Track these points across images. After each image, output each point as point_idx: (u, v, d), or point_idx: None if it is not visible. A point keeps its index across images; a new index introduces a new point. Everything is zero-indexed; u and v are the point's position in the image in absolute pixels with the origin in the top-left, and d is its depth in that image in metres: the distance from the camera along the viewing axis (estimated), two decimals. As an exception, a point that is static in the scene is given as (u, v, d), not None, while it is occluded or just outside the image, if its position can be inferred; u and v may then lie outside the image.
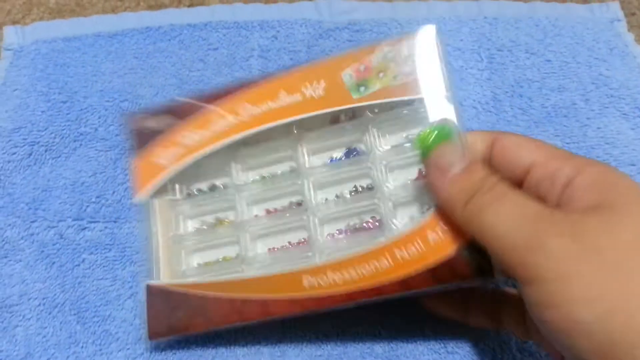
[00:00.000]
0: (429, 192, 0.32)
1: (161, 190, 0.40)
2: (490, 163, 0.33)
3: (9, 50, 0.50)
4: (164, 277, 0.38)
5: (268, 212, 0.39)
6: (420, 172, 0.37)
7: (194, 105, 0.39)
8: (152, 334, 0.36)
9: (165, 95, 0.47)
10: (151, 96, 0.47)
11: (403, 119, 0.37)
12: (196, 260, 0.40)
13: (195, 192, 0.41)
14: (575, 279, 0.24)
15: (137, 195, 0.39)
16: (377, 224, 0.37)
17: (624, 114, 0.44)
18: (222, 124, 0.38)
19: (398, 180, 0.37)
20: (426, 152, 0.32)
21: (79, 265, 0.41)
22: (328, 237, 0.38)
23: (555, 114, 0.45)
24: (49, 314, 0.39)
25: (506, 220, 0.27)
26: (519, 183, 0.32)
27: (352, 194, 0.38)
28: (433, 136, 0.32)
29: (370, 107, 0.37)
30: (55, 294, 0.40)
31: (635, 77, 0.45)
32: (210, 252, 0.40)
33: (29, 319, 0.39)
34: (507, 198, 0.28)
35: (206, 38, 0.49)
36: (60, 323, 0.39)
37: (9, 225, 0.42)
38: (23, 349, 0.38)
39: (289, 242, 0.39)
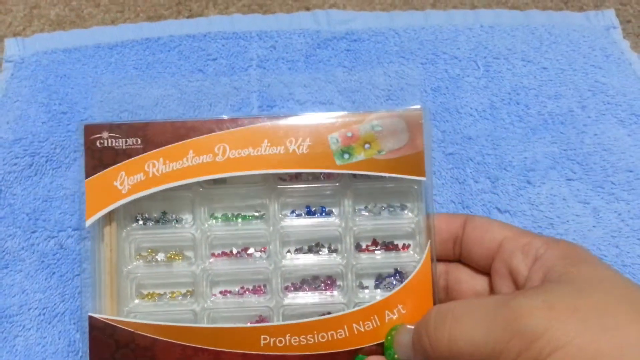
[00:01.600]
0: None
1: (114, 217, 0.39)
2: (462, 241, 0.36)
3: (9, 62, 0.50)
4: (107, 309, 0.37)
5: (226, 254, 0.40)
6: (374, 240, 0.40)
7: (170, 134, 0.37)
8: None
9: (165, 106, 0.47)
10: (151, 106, 0.47)
11: (382, 191, 0.40)
12: (143, 291, 0.40)
13: (150, 222, 0.40)
14: (566, 347, 0.25)
15: (88, 220, 0.37)
16: (333, 286, 0.39)
17: (621, 121, 0.45)
18: (196, 161, 0.37)
19: (359, 247, 0.40)
20: (392, 355, 0.35)
21: (79, 275, 0.41)
22: (286, 290, 0.39)
23: (552, 121, 0.45)
24: (49, 323, 0.39)
25: (475, 330, 0.28)
26: (490, 257, 0.34)
27: (316, 252, 0.40)
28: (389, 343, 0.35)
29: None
30: (55, 304, 0.40)
31: (632, 84, 0.45)
32: (158, 285, 0.40)
33: (29, 329, 0.39)
34: (455, 310, 0.30)
35: (205, 49, 0.49)
36: (60, 332, 0.39)
37: (10, 235, 0.42)
38: (23, 359, 0.38)
39: (242, 287, 0.40)
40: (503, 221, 0.42)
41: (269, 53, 0.49)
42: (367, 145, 0.37)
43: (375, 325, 0.36)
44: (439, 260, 0.37)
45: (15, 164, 0.44)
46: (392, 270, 0.40)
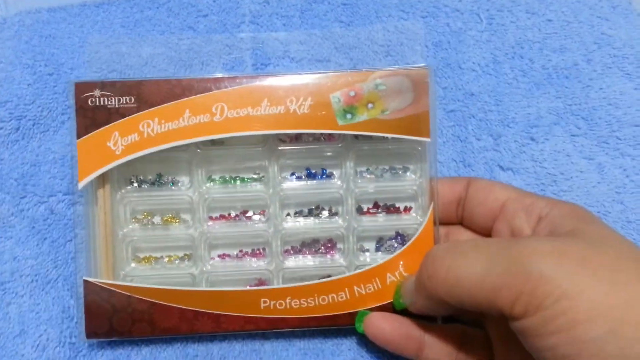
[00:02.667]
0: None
1: (108, 179, 0.37)
2: (465, 203, 0.36)
3: (-9, 22, 0.48)
4: (103, 273, 0.36)
5: (224, 217, 0.39)
6: (375, 202, 0.39)
7: (165, 93, 0.35)
8: (90, 333, 0.35)
9: (155, 66, 0.45)
10: (140, 66, 0.45)
11: (384, 153, 0.39)
12: (139, 255, 0.39)
13: (146, 185, 0.38)
14: (576, 298, 0.24)
15: (80, 182, 0.36)
16: (333, 249, 0.39)
17: (628, 74, 0.43)
18: (193, 121, 0.35)
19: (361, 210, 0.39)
20: (399, 305, 0.35)
21: (71, 240, 0.40)
22: (286, 253, 0.39)
23: (557, 75, 0.43)
24: (42, 290, 0.38)
25: (478, 263, 0.26)
26: (493, 218, 0.34)
27: (316, 215, 0.39)
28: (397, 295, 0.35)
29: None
30: (47, 270, 0.39)
31: (639, 36, 0.44)
32: (155, 248, 0.39)
33: (22, 296, 0.38)
34: (461, 244, 0.29)
35: (195, 5, 0.47)
36: (53, 299, 0.38)
37: (-2, 201, 0.41)
38: (17, 326, 0.37)
39: (241, 250, 0.39)
40: (505, 179, 0.41)
41: (262, 8, 0.47)
42: (370, 105, 0.35)
43: (376, 288, 0.35)
44: (441, 223, 0.36)
45: (1, 128, 0.43)
46: (393, 233, 0.39)
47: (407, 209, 0.39)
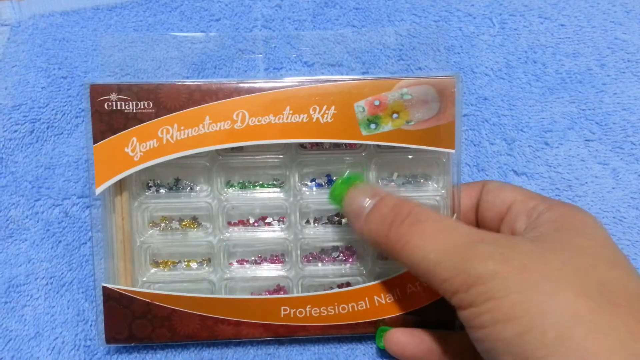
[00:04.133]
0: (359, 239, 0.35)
1: (126, 185, 0.37)
2: (479, 205, 0.36)
3: (5, 25, 0.48)
4: (121, 279, 0.36)
5: (243, 223, 0.39)
6: None
7: (184, 98, 0.35)
8: (110, 339, 0.35)
9: (168, 69, 0.46)
10: (153, 69, 0.46)
11: (407, 162, 0.39)
12: (158, 259, 0.39)
13: (163, 190, 0.38)
14: (500, 300, 0.26)
15: (98, 188, 0.35)
16: (352, 257, 0.38)
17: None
18: (213, 128, 0.34)
19: None
20: (339, 203, 0.34)
21: (85, 243, 0.40)
22: (305, 260, 0.38)
23: (570, 80, 0.43)
24: (57, 292, 0.38)
25: (433, 247, 0.29)
26: (500, 220, 0.34)
27: (336, 222, 0.39)
28: (339, 187, 0.34)
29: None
30: (62, 273, 0.39)
31: (654, 40, 0.44)
32: (173, 252, 0.39)
33: (37, 299, 0.38)
34: (428, 223, 0.30)
35: (207, 9, 0.48)
36: (68, 302, 0.38)
37: (13, 204, 0.41)
38: (32, 329, 0.37)
39: (259, 256, 0.39)
40: (520, 184, 0.41)
41: (274, 12, 0.47)
42: (395, 115, 0.35)
43: (396, 298, 0.35)
44: None
45: (15, 131, 0.43)
46: None
47: None
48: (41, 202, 0.41)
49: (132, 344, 0.36)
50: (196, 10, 0.48)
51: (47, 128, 0.43)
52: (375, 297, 0.35)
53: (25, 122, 0.43)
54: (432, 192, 0.39)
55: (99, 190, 0.35)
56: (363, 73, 0.45)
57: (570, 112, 0.42)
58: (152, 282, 0.38)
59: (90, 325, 0.38)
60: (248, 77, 0.45)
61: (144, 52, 0.46)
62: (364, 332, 0.35)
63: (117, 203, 0.37)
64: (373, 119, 0.35)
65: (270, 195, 0.38)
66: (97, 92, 0.35)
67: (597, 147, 0.42)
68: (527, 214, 0.32)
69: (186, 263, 0.38)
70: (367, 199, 0.32)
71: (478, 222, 0.37)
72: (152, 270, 0.38)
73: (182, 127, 0.34)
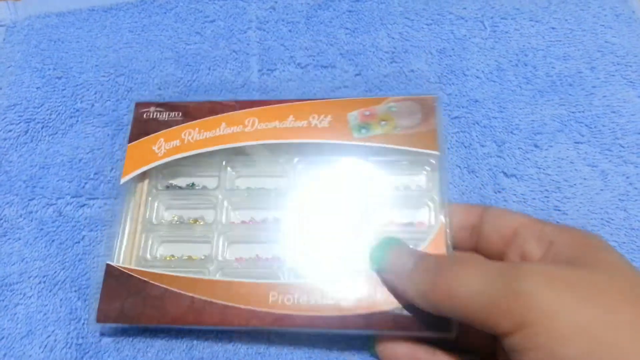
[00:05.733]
0: (398, 298, 0.34)
1: (147, 177, 0.40)
2: (480, 230, 0.36)
3: (1, 26, 0.49)
4: (125, 261, 0.38)
5: (243, 222, 0.40)
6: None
7: (207, 110, 0.41)
8: (101, 317, 0.35)
9: (162, 70, 0.46)
10: (147, 70, 0.46)
11: (396, 165, 0.40)
12: (161, 251, 0.40)
13: (179, 187, 0.41)
14: (556, 317, 0.25)
15: (124, 178, 0.39)
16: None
17: (631, 82, 0.43)
18: (227, 131, 0.40)
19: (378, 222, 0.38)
20: (380, 264, 0.34)
21: (79, 242, 0.40)
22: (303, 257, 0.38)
23: (561, 82, 0.44)
24: (50, 291, 0.39)
25: (475, 280, 0.28)
26: (505, 244, 0.34)
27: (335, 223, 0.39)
28: (378, 249, 0.34)
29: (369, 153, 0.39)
30: (55, 272, 0.39)
31: (643, 44, 0.44)
32: (178, 246, 0.40)
33: (30, 297, 0.39)
34: (469, 263, 0.29)
35: (202, 10, 0.48)
36: (61, 300, 0.38)
37: (7, 203, 0.41)
38: (24, 327, 0.38)
39: (257, 255, 0.39)
40: (509, 185, 0.41)
41: (268, 14, 0.48)
42: (383, 123, 0.39)
43: (388, 294, 0.34)
44: (454, 248, 0.36)
45: (10, 131, 0.43)
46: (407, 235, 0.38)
47: (419, 224, 0.39)
48: (35, 202, 0.41)
49: (120, 324, 0.36)
50: (191, 12, 0.48)
51: (42, 128, 0.44)
52: (367, 290, 0.34)
53: (20, 122, 0.44)
54: (420, 197, 0.39)
55: (124, 179, 0.39)
56: (356, 75, 0.45)
57: (560, 115, 0.43)
58: (154, 266, 0.38)
59: (83, 323, 0.38)
60: (242, 78, 0.46)
61: (138, 53, 0.47)
62: (353, 327, 0.34)
63: (137, 191, 0.40)
64: (364, 125, 0.39)
65: (271, 196, 0.40)
66: (141, 106, 0.41)
67: (586, 150, 0.42)
68: (537, 238, 0.32)
69: (188, 257, 0.39)
70: (409, 258, 0.32)
71: (477, 245, 0.36)
72: (158, 255, 0.40)
73: (202, 130, 0.40)
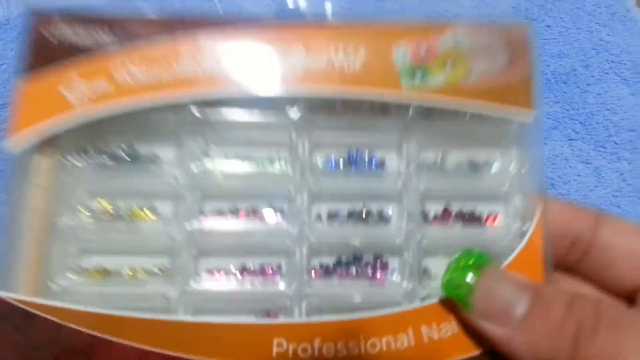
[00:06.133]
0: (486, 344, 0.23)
1: (54, 144, 0.26)
2: (592, 246, 0.26)
3: (-6, 23, 0.48)
4: (24, 284, 0.25)
5: (223, 214, 0.27)
6: (446, 209, 0.28)
7: (157, 28, 0.25)
8: None
9: None
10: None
11: (464, 134, 0.28)
12: (85, 264, 0.27)
13: (109, 158, 0.27)
14: None
15: (10, 140, 0.25)
16: (381, 271, 0.28)
17: (625, 80, 0.44)
18: (192, 69, 0.24)
19: (430, 215, 0.28)
20: (464, 299, 0.23)
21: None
22: (312, 272, 0.28)
23: (555, 80, 0.44)
24: None
25: None
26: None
27: (360, 218, 0.28)
28: (459, 272, 0.23)
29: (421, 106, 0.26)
30: None
31: (637, 42, 0.45)
32: (112, 257, 0.27)
33: None
34: (631, 321, 0.21)
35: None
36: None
37: None
38: None
39: (243, 267, 0.27)
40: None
41: None
42: (448, 66, 0.25)
43: (454, 332, 0.24)
44: None
45: (3, 130, 0.43)
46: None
47: (491, 218, 0.29)
48: None
49: None
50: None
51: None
52: (424, 329, 0.23)
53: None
54: (497, 180, 0.28)
55: (12, 143, 0.24)
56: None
57: (555, 112, 0.43)
58: (73, 293, 0.26)
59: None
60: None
61: None
62: None
63: (36, 169, 0.25)
64: (419, 68, 0.25)
65: (265, 174, 0.28)
66: (40, 17, 0.26)
67: (580, 147, 0.42)
68: None
69: (129, 273, 0.27)
70: (517, 293, 0.22)
71: (576, 267, 0.27)
72: (75, 278, 0.26)
73: (148, 65, 0.24)
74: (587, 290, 0.27)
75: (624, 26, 0.45)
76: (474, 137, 0.29)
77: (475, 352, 0.23)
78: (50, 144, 0.26)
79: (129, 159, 0.28)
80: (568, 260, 0.27)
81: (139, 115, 0.25)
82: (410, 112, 0.27)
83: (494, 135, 0.29)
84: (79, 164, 0.27)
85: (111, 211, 0.28)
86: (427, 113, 0.27)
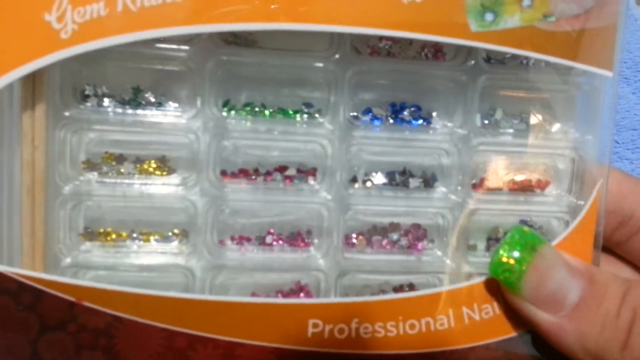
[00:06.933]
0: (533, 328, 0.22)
1: (43, 87, 0.22)
2: None
3: None
4: (25, 257, 0.22)
5: (247, 175, 0.25)
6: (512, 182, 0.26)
7: None
8: None
9: None
10: None
11: (527, 86, 0.25)
12: (94, 228, 0.25)
13: (112, 104, 0.24)
14: None
15: None
16: (421, 241, 0.26)
17: (625, 78, 0.43)
18: None
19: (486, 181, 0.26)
20: (513, 283, 0.21)
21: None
22: (345, 243, 0.26)
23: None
24: None
25: None
26: None
27: (395, 181, 0.26)
28: (508, 250, 0.21)
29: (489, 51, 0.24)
30: None
31: (637, 41, 0.44)
32: (124, 226, 0.25)
33: None
34: None
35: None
36: None
37: None
38: None
39: (271, 232, 0.26)
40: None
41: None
42: (526, 2, 0.21)
43: (495, 313, 0.22)
44: None
45: None
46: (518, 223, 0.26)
47: (540, 184, 0.26)
48: None
49: None
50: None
51: None
52: (465, 310, 0.22)
53: None
54: (556, 143, 0.26)
55: None
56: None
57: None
58: (83, 267, 0.24)
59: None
60: None
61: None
62: None
63: (25, 121, 0.21)
64: (491, 5, 0.21)
65: (296, 129, 0.25)
66: None
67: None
68: None
69: (144, 237, 0.25)
70: (569, 279, 0.20)
71: (621, 246, 0.25)
72: (84, 246, 0.24)
73: None
74: (625, 272, 0.26)
75: (624, 24, 0.44)
76: (538, 92, 0.26)
77: (516, 332, 0.23)
78: (38, 88, 0.22)
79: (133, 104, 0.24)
80: (612, 239, 0.25)
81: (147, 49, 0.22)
82: (473, 59, 0.25)
83: (561, 93, 0.26)
84: (75, 110, 0.24)
85: (116, 165, 0.25)
86: (489, 62, 0.25)
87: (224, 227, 0.26)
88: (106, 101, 0.24)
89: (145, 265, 0.25)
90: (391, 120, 0.25)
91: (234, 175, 0.25)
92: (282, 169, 0.25)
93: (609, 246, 0.26)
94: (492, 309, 0.22)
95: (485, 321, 0.22)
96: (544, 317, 0.20)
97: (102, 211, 0.25)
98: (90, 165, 0.25)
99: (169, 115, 0.24)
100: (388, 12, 0.20)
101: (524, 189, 0.26)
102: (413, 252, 0.26)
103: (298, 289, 0.25)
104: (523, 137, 0.26)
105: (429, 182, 0.26)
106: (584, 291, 0.20)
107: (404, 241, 0.26)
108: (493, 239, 0.26)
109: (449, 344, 0.22)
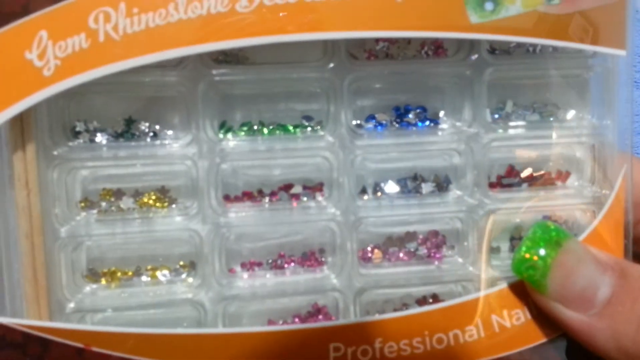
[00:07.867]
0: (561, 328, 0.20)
1: (30, 127, 0.21)
2: None
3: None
4: (30, 305, 0.21)
5: (251, 198, 0.25)
6: (510, 168, 0.25)
7: None
8: None
9: None
10: None
11: (537, 75, 0.25)
12: (97, 268, 0.24)
13: (105, 137, 0.23)
14: None
15: None
16: (440, 249, 0.25)
17: (635, 82, 0.42)
18: (196, 13, 0.19)
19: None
20: (537, 281, 0.20)
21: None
22: (361, 258, 0.25)
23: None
24: None
25: None
26: None
27: (407, 188, 0.25)
28: (541, 253, 0.20)
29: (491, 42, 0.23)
30: None
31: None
32: (128, 263, 0.24)
33: None
34: None
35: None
36: None
37: None
38: None
39: (282, 255, 0.25)
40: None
41: None
42: None
43: (526, 319, 0.21)
44: None
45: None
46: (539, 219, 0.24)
47: (561, 176, 0.25)
48: None
49: None
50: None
51: None
52: (495, 318, 0.21)
53: None
54: (571, 131, 0.25)
55: None
56: None
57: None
58: (90, 311, 0.23)
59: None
60: None
61: None
62: None
63: (17, 165, 0.21)
64: None
65: (297, 144, 0.24)
66: None
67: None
68: None
69: (150, 272, 0.24)
70: (599, 274, 0.19)
71: None
72: (89, 288, 0.23)
73: (136, 10, 0.19)
74: None
75: (633, 27, 0.44)
76: (548, 79, 0.25)
77: (553, 336, 0.21)
78: (26, 129, 0.21)
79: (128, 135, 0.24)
80: (637, 230, 0.23)
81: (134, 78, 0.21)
82: (476, 52, 0.24)
83: (572, 78, 0.25)
84: (66, 148, 0.23)
85: (114, 201, 0.24)
86: (493, 54, 0.24)
87: (231, 254, 0.25)
88: (98, 136, 0.23)
89: (154, 303, 0.23)
90: (396, 125, 0.24)
91: (237, 199, 0.24)
92: (287, 187, 0.24)
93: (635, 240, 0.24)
94: (523, 314, 0.21)
95: (517, 328, 0.21)
96: (573, 317, 0.19)
97: (102, 250, 0.24)
98: (89, 203, 0.24)
99: (164, 144, 0.23)
100: (379, 13, 0.20)
101: (544, 182, 0.25)
102: (432, 260, 0.25)
103: (316, 311, 0.24)
104: (537, 128, 0.24)
105: (442, 185, 0.25)
106: (616, 287, 0.19)
107: (422, 250, 0.24)
108: (517, 239, 0.25)
109: (480, 355, 0.21)
